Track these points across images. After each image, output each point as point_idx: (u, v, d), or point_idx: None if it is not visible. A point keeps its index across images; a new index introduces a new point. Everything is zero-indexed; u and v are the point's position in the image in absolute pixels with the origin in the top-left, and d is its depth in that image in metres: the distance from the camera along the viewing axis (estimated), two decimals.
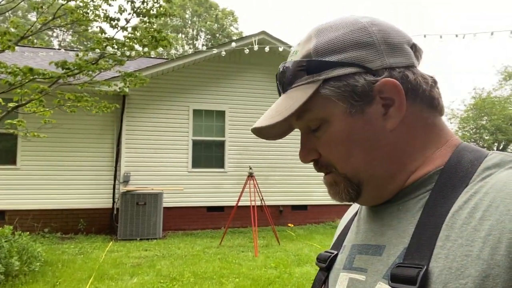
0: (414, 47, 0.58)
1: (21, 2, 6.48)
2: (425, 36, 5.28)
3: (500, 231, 0.41)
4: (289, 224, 9.27)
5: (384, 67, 0.54)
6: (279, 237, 7.51)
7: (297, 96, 0.56)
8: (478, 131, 21.60)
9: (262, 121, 0.58)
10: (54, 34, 28.11)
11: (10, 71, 5.07)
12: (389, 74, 0.54)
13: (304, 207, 9.48)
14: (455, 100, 46.51)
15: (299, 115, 0.57)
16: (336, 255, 0.65)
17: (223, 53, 7.70)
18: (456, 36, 5.48)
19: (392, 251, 0.51)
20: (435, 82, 0.57)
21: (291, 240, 7.67)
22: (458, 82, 45.52)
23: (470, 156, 0.52)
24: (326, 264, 0.65)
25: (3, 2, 6.09)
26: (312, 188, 9.28)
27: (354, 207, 0.72)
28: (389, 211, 0.56)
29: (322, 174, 0.61)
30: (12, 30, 5.67)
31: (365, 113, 0.54)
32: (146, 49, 6.44)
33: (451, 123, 24.08)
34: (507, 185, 0.45)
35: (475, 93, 22.97)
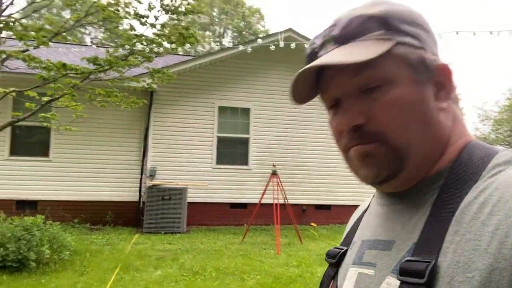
0: None
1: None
2: (457, 33, 5.09)
3: (508, 225, 0.42)
4: (312, 224, 9.20)
5: (436, 56, 0.57)
6: (302, 236, 7.47)
7: (371, 46, 0.52)
8: None
9: (331, 58, 0.53)
10: (87, 32, 28.98)
11: (44, 66, 5.27)
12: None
13: (327, 207, 9.39)
14: (488, 101, 44.58)
15: (359, 70, 0.53)
16: (346, 251, 0.65)
17: (249, 50, 7.72)
18: (491, 33, 5.26)
19: (402, 246, 0.52)
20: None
21: (313, 239, 7.62)
22: (492, 82, 43.74)
23: (481, 153, 0.53)
24: (335, 260, 0.66)
25: (38, 0, 6.33)
26: (337, 188, 9.17)
27: (363, 206, 0.72)
28: (400, 207, 0.57)
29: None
30: (47, 26, 5.88)
31: (426, 87, 0.54)
32: (173, 46, 6.54)
33: (484, 124, 23.18)
34: None
35: (510, 94, 22.00)
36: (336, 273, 0.65)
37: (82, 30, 27.59)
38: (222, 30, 32.06)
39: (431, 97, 0.55)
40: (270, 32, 28.68)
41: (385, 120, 0.52)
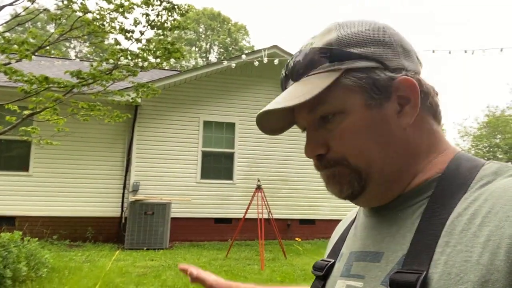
0: (418, 58, 0.61)
1: (40, 13, 6.69)
2: (433, 51, 5.28)
3: (499, 236, 0.42)
4: (297, 238, 9.18)
5: (400, 67, 0.55)
6: (286, 251, 7.44)
7: (316, 82, 0.54)
8: (491, 149, 21.28)
9: (274, 104, 0.56)
10: (72, 45, 28.82)
11: (26, 80, 5.20)
12: (405, 74, 0.55)
13: (312, 222, 9.40)
14: (468, 118, 45.87)
15: (312, 107, 0.56)
16: (333, 263, 0.64)
17: (233, 65, 7.81)
18: (465, 52, 5.47)
19: (391, 257, 0.51)
20: (437, 92, 0.59)
21: (298, 254, 7.59)
22: (471, 99, 45.08)
23: (468, 164, 0.53)
24: (322, 272, 0.64)
25: (23, 13, 6.30)
26: (320, 203, 9.20)
27: (350, 216, 0.72)
28: (388, 218, 0.56)
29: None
30: (31, 40, 5.83)
31: (383, 108, 0.54)
32: (158, 60, 6.56)
33: (464, 140, 23.77)
34: (506, 192, 0.45)
35: (489, 111, 22.70)
36: (324, 286, 0.63)
37: (67, 44, 27.42)
38: (208, 46, 32.32)
39: (392, 116, 0.54)
40: (256, 48, 29.06)
41: (342, 148, 0.55)
